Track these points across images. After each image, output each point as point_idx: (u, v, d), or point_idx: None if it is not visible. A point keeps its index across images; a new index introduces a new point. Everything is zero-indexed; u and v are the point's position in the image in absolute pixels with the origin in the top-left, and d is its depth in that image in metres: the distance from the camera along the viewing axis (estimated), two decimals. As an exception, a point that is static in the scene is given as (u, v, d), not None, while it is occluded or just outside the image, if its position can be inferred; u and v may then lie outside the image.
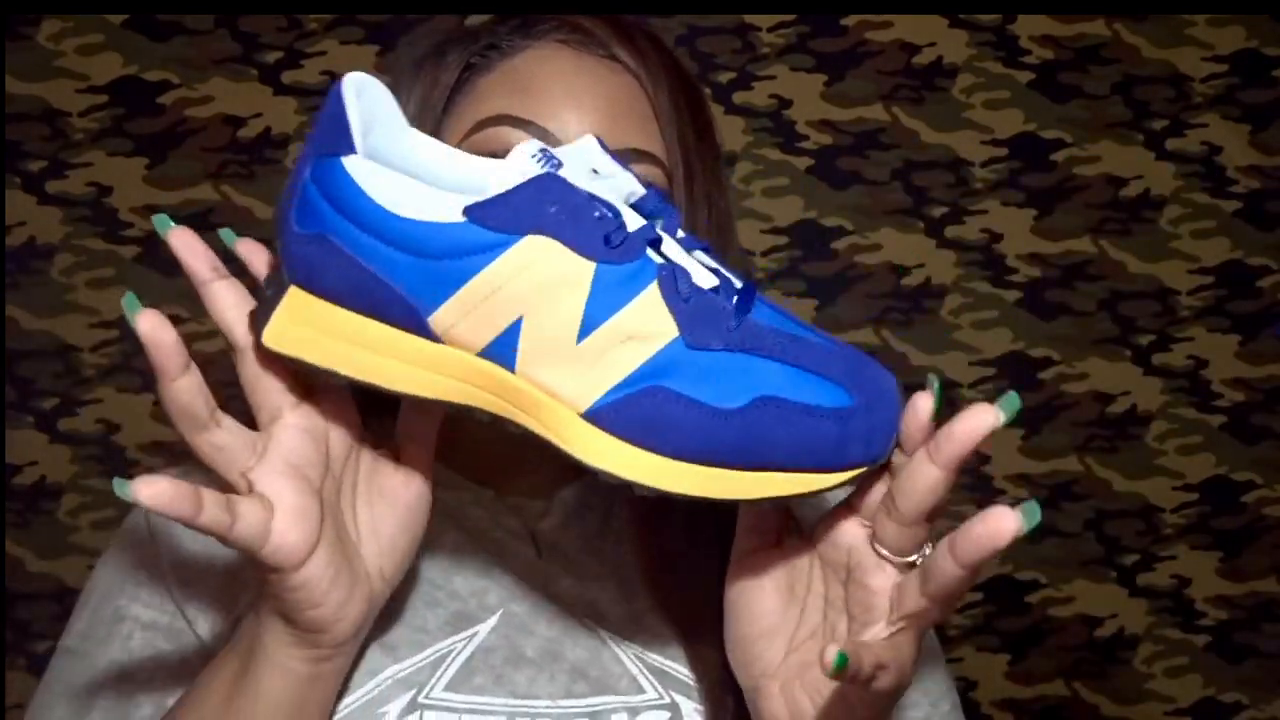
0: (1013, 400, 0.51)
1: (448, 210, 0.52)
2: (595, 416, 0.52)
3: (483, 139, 0.76)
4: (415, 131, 0.57)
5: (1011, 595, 1.77)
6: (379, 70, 1.68)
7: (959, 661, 1.75)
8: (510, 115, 0.76)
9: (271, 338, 0.55)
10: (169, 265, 1.68)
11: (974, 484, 1.76)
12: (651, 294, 0.52)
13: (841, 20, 1.74)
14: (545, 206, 0.51)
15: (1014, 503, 1.86)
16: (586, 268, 0.51)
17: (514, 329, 0.52)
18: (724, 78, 1.73)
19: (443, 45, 0.82)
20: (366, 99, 0.54)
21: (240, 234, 0.61)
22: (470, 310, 0.52)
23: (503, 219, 0.51)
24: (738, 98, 1.73)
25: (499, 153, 0.75)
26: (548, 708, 0.72)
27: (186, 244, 0.59)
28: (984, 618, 1.77)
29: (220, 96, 1.68)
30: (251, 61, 1.69)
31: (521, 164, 0.52)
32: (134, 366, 1.68)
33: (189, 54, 1.68)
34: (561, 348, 0.52)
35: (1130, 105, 1.76)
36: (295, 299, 0.55)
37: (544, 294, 0.51)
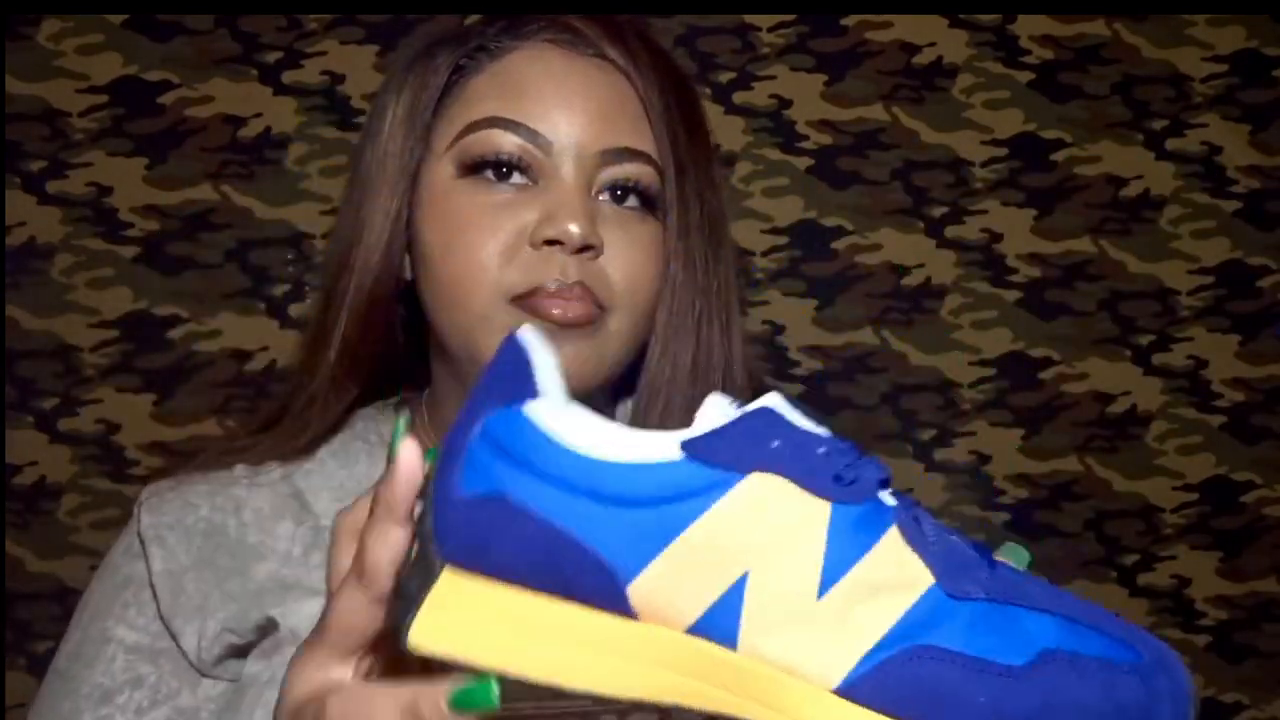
0: None
1: (656, 450, 0.45)
2: (852, 690, 0.43)
3: (473, 141, 0.76)
4: (578, 407, 0.49)
5: (1011, 595, 1.77)
6: (379, 70, 1.68)
7: (959, 661, 1.75)
8: (500, 118, 0.76)
9: (421, 634, 0.46)
10: (169, 265, 1.68)
11: (974, 484, 1.76)
12: (893, 538, 0.45)
13: (841, 20, 1.74)
14: (769, 441, 0.45)
15: (1013, 502, 1.83)
16: (821, 509, 0.44)
17: (737, 589, 0.44)
18: (724, 78, 1.73)
19: (432, 47, 0.82)
20: (538, 358, 0.48)
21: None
22: (682, 569, 0.44)
23: (725, 455, 0.44)
24: (738, 98, 1.73)
25: (488, 155, 0.76)
26: (535, 709, 0.72)
27: (410, 466, 0.51)
28: (984, 618, 1.77)
29: (220, 96, 1.68)
30: (251, 61, 1.69)
31: (721, 408, 0.46)
32: (134, 366, 1.68)
33: (189, 54, 1.68)
34: (799, 608, 0.43)
35: (1130, 105, 1.76)
36: (449, 584, 0.46)
37: (775, 542, 0.44)
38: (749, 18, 1.73)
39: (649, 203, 0.79)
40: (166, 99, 1.68)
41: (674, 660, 0.44)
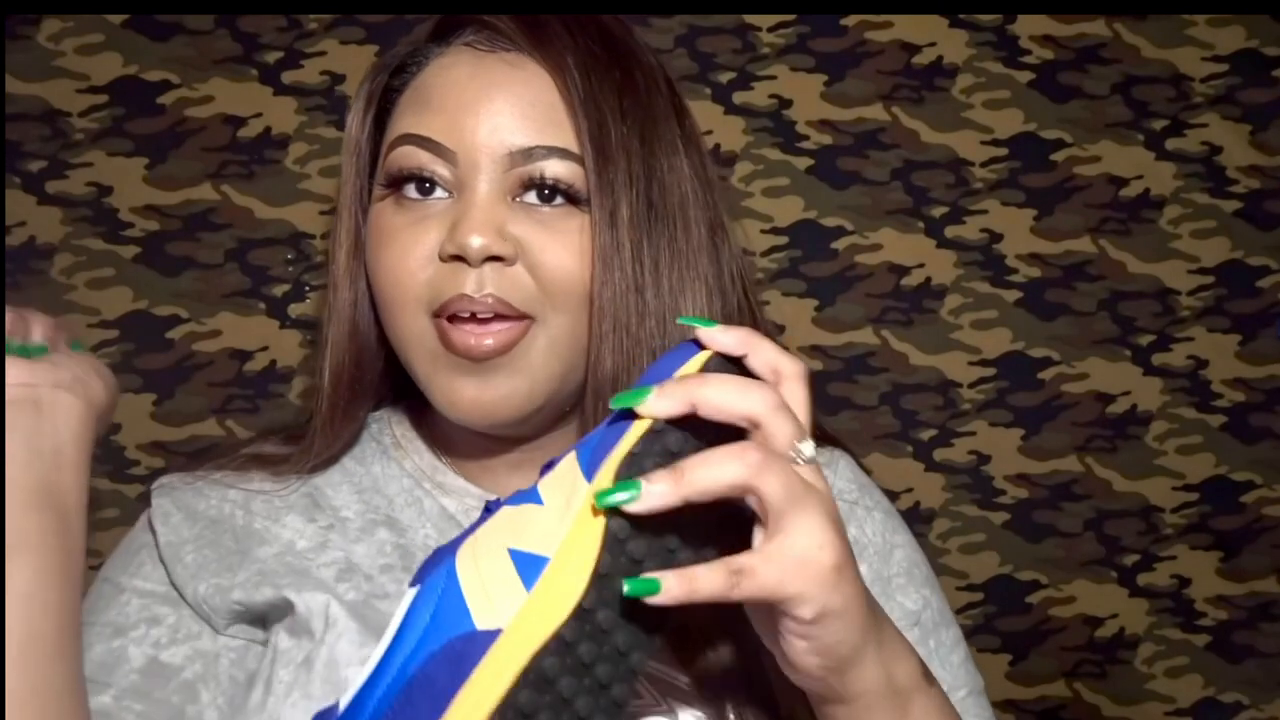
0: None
1: None
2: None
3: (390, 160, 0.78)
4: None
5: (1011, 595, 1.77)
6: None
7: (959, 661, 1.75)
8: (409, 134, 0.78)
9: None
10: (169, 265, 1.68)
11: (974, 484, 1.76)
12: None
13: (841, 20, 1.74)
14: None
15: (1014, 503, 1.83)
16: None
17: None
18: (724, 78, 1.73)
19: (372, 71, 0.84)
20: None
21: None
22: None
23: None
24: (738, 98, 1.73)
25: (398, 172, 0.77)
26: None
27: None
28: (984, 618, 1.77)
29: (220, 96, 1.68)
30: (251, 61, 1.69)
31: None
32: (134, 366, 1.68)
33: (189, 54, 1.68)
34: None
35: (1130, 105, 1.76)
36: None
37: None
38: (749, 18, 1.73)
39: (575, 198, 0.78)
40: (166, 99, 1.68)
41: None
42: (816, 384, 1.75)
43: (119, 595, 0.79)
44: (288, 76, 1.69)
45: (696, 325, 0.58)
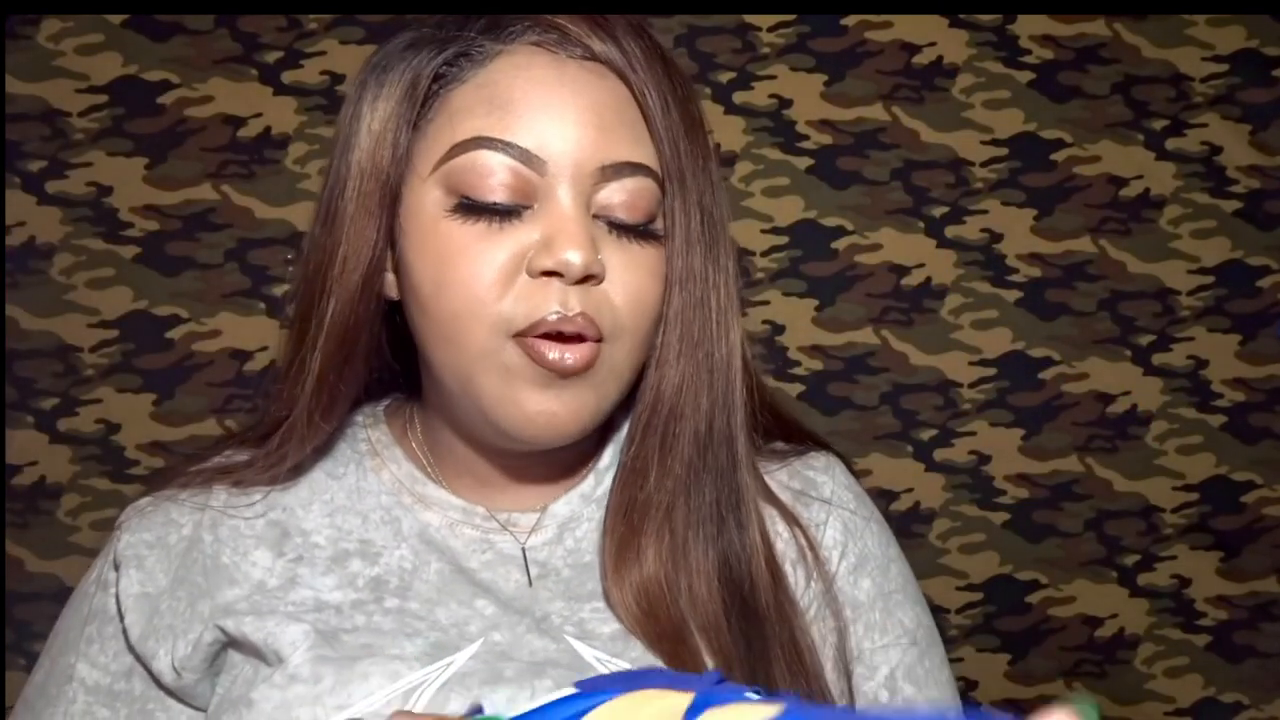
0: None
1: None
2: None
3: (460, 164, 0.70)
4: None
5: (1011, 595, 1.77)
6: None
7: (959, 661, 1.75)
8: (488, 137, 0.70)
9: None
10: (169, 265, 1.68)
11: (974, 484, 1.76)
12: None
13: (841, 20, 1.74)
14: None
15: (1014, 503, 1.83)
16: None
17: None
18: (724, 78, 1.73)
19: (408, 51, 0.74)
20: None
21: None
22: None
23: None
24: (738, 98, 1.73)
25: (489, 177, 0.70)
26: None
27: None
28: (984, 618, 1.77)
29: (220, 96, 1.68)
30: (251, 61, 1.69)
31: None
32: (134, 366, 1.68)
33: (189, 54, 1.68)
34: None
35: (1130, 105, 1.76)
36: None
37: None
38: (749, 18, 1.73)
39: (650, 218, 0.75)
40: (166, 99, 1.68)
41: None
42: (816, 384, 1.75)
43: (67, 687, 0.75)
44: (288, 76, 1.69)
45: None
